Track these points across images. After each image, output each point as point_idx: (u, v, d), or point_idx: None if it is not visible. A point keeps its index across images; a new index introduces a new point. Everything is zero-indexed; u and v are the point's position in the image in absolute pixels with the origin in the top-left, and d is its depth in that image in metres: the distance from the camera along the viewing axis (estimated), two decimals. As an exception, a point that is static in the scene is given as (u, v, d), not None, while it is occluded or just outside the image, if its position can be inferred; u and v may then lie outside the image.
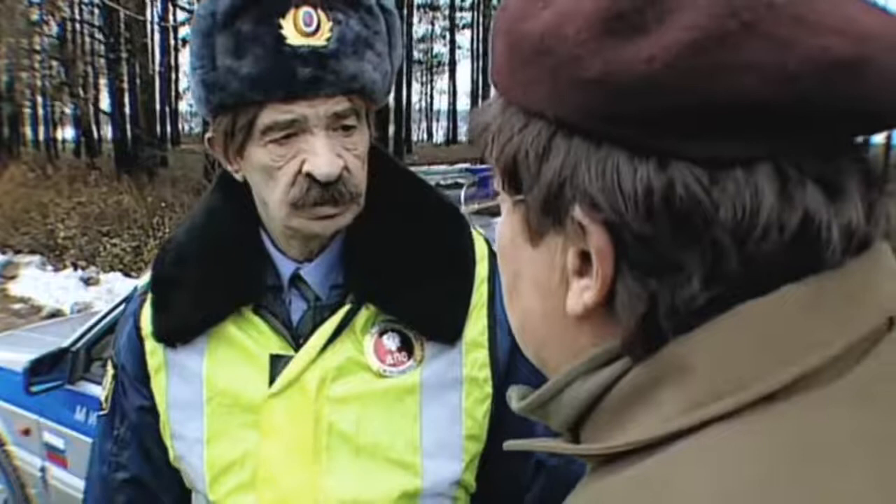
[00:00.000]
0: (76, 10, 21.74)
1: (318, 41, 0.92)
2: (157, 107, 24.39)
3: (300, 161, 0.95)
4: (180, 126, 31.86)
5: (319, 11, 0.93)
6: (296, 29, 0.92)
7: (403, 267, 1.03)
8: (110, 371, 1.19)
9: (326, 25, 0.93)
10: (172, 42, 25.32)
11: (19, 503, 3.58)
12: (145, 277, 1.16)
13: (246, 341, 1.04)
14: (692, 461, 0.40)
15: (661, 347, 0.43)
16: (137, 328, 1.11)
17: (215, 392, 1.05)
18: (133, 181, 13.76)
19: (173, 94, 28.32)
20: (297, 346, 1.02)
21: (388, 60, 1.00)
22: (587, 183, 0.42)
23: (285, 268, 1.05)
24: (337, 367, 1.01)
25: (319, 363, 1.01)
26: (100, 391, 3.27)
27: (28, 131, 30.60)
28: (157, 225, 10.34)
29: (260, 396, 1.02)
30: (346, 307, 1.02)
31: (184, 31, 20.64)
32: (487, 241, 1.10)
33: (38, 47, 19.64)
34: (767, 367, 0.40)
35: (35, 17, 18.62)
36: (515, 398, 0.53)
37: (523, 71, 0.45)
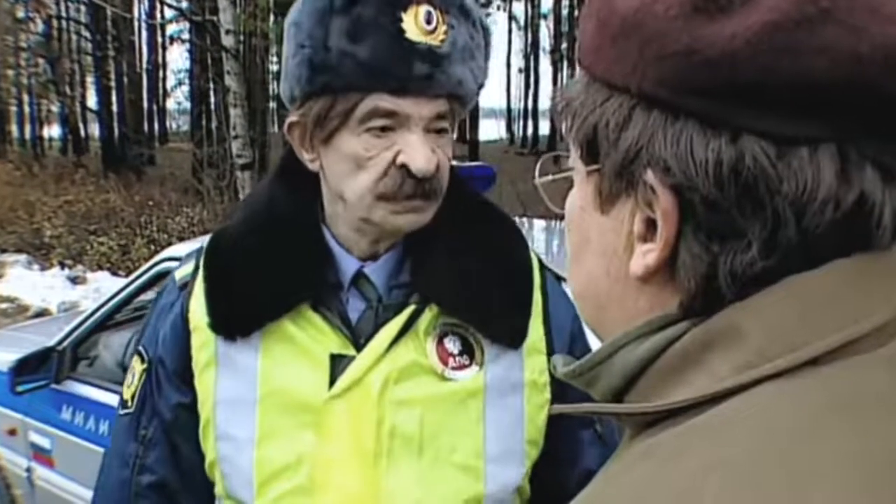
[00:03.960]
0: (62, 8, 21.62)
1: (435, 41, 0.93)
2: (145, 105, 24.32)
3: (395, 153, 0.95)
4: (168, 124, 31.67)
5: (438, 12, 0.93)
6: (416, 24, 0.92)
7: (468, 270, 1.03)
8: (139, 367, 1.12)
9: (442, 28, 0.94)
10: (160, 40, 25.22)
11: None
12: (186, 268, 1.12)
13: (304, 339, 1.01)
14: (744, 413, 0.42)
15: (716, 312, 0.46)
16: (184, 319, 1.06)
17: (270, 390, 1.01)
18: (120, 179, 13.69)
19: (161, 91, 28.17)
20: (358, 346, 1.00)
21: (483, 74, 1.01)
22: (662, 150, 0.46)
23: (348, 266, 1.04)
24: (400, 369, 1.00)
25: (383, 364, 0.99)
26: (90, 389, 3.20)
27: (14, 129, 30.36)
28: (144, 223, 10.29)
29: (319, 397, 0.99)
30: (411, 308, 1.01)
31: (171, 29, 20.55)
32: (534, 251, 1.12)
33: (23, 45, 19.50)
34: (815, 333, 0.43)
35: (20, 14, 18.50)
36: (561, 364, 0.56)
37: (611, 46, 0.48)
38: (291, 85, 0.98)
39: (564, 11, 28.33)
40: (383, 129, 0.94)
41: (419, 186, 0.96)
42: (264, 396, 1.01)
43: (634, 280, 0.50)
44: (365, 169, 0.96)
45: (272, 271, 1.02)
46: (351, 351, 1.00)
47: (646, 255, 0.48)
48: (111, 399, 2.98)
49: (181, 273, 1.12)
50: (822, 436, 0.40)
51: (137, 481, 1.10)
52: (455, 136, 1.07)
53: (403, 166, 0.94)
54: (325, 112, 0.96)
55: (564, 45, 28.39)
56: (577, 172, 0.54)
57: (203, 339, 1.04)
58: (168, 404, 1.08)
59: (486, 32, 1.01)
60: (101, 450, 2.97)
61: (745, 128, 0.43)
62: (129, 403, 1.13)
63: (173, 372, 1.07)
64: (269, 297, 1.01)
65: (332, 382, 0.99)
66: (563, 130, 0.54)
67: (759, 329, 0.44)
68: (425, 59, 0.92)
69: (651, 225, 0.48)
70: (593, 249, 0.53)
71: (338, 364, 1.00)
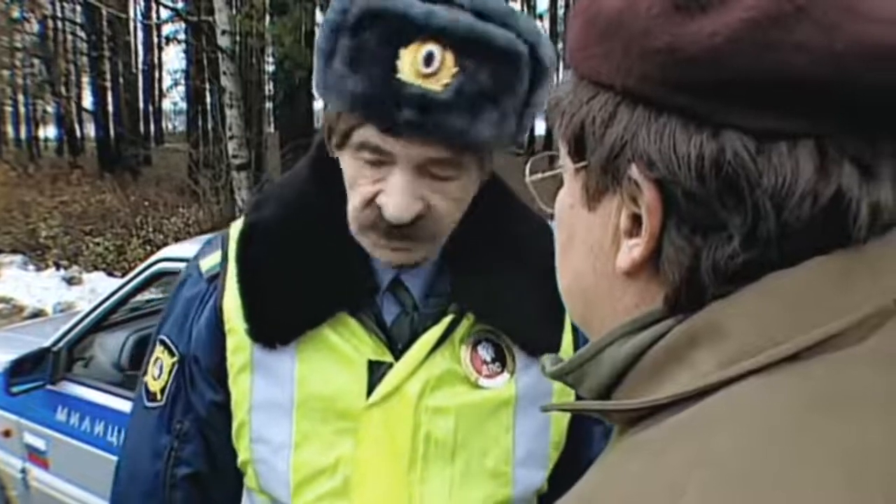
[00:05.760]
0: (58, 8, 21.54)
1: (434, 85, 0.84)
2: (141, 105, 24.25)
3: (377, 190, 0.91)
4: (164, 125, 31.65)
5: (447, 53, 0.84)
6: (412, 65, 0.84)
7: (506, 280, 1.02)
8: (168, 360, 1.11)
9: (449, 71, 0.84)
10: (156, 40, 25.17)
11: (0, 505, 3.55)
12: (212, 259, 1.09)
13: (342, 345, 1.00)
14: (728, 409, 0.43)
15: (700, 307, 0.47)
16: (219, 320, 1.04)
17: (307, 396, 1.00)
18: (116, 180, 13.66)
19: (157, 92, 28.13)
20: (394, 352, 1.00)
21: (517, 118, 0.91)
22: (646, 145, 0.47)
23: (384, 272, 1.02)
24: (436, 377, 1.00)
25: (420, 372, 1.00)
26: (86, 390, 3.18)
27: (10, 130, 30.31)
28: (140, 224, 10.29)
29: (357, 403, 0.99)
30: (449, 318, 1.01)
31: (167, 29, 20.51)
32: None
33: (18, 45, 19.44)
34: (796, 329, 0.44)
35: (16, 14, 18.43)
36: (549, 363, 0.57)
37: (597, 45, 0.50)
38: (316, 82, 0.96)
39: (560, 11, 28.35)
40: (373, 161, 0.91)
41: (394, 230, 0.92)
42: (301, 402, 1.01)
43: (621, 275, 0.51)
44: (354, 192, 0.94)
45: (311, 277, 1.00)
46: (388, 357, 1.00)
47: (632, 250, 0.49)
48: (107, 400, 2.98)
49: (207, 264, 1.10)
50: (805, 432, 0.40)
51: (173, 473, 1.11)
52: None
53: (380, 207, 0.92)
54: (332, 124, 0.94)
55: (560, 46, 28.41)
56: (565, 170, 0.55)
57: (238, 341, 1.03)
58: (202, 401, 1.08)
59: (539, 70, 0.90)
60: (97, 451, 2.96)
61: (726, 123, 0.45)
62: (159, 397, 1.12)
63: (207, 370, 1.07)
64: (309, 304, 1.00)
65: (369, 388, 1.00)
66: (554, 129, 0.55)
67: (741, 325, 0.45)
68: (413, 104, 0.84)
69: (636, 221, 0.49)
70: (580, 246, 0.54)
71: (376, 371, 1.00)
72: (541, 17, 31.57)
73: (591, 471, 0.50)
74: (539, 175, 0.62)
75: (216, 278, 1.07)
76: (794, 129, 0.44)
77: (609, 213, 0.51)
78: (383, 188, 0.91)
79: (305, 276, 1.00)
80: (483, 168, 0.98)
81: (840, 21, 0.42)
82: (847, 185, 0.44)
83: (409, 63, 0.84)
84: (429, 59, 0.84)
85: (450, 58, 0.84)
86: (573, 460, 1.09)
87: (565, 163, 0.55)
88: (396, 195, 0.90)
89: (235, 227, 1.08)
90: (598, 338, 0.53)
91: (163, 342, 1.13)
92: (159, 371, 1.12)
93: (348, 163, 0.94)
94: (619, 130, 0.48)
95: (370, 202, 0.93)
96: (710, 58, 0.43)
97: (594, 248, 0.53)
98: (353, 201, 0.95)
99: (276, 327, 1.01)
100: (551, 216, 0.59)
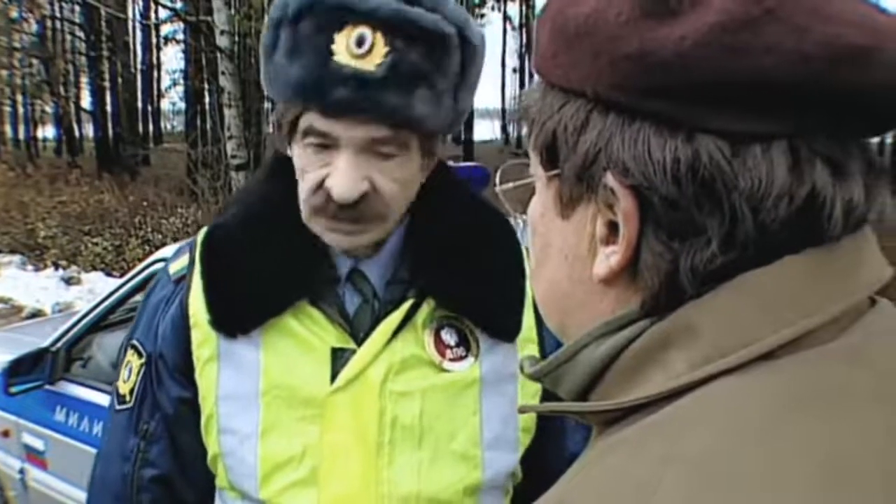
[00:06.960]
0: (56, 8, 21.55)
1: (367, 65, 0.89)
2: (139, 105, 24.24)
3: (325, 174, 0.96)
4: (162, 125, 31.67)
5: (378, 34, 0.89)
6: (346, 47, 0.89)
7: (464, 266, 1.05)
8: (136, 361, 1.13)
9: (381, 50, 0.89)
10: (154, 40, 25.16)
11: (-1, 505, 3.55)
12: (180, 262, 1.12)
13: (305, 334, 1.03)
14: (701, 408, 0.43)
15: (676, 309, 0.47)
16: (184, 316, 1.07)
17: (273, 384, 1.03)
18: (115, 180, 13.64)
19: (155, 92, 28.13)
20: (357, 340, 1.02)
21: (452, 97, 0.96)
22: (620, 152, 0.47)
23: (343, 261, 1.06)
24: (400, 362, 1.02)
25: (383, 357, 1.02)
26: (84, 391, 3.17)
27: (8, 130, 30.29)
28: (138, 224, 10.28)
29: (322, 390, 1.01)
30: (409, 302, 1.03)
31: (165, 29, 20.51)
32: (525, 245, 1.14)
33: (17, 45, 19.43)
34: (768, 328, 0.44)
35: (14, 14, 18.43)
36: (528, 364, 0.57)
37: (566, 52, 0.49)
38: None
39: (559, 12, 28.30)
40: (321, 145, 0.95)
41: (343, 211, 0.96)
42: (267, 390, 1.03)
43: (598, 283, 0.50)
44: (304, 180, 0.98)
45: (271, 268, 1.03)
46: (351, 344, 1.02)
47: (609, 258, 0.49)
48: (105, 400, 2.97)
49: (175, 267, 1.13)
50: (781, 431, 0.40)
51: (140, 475, 1.11)
52: (448, 139, 1.06)
53: (328, 190, 0.96)
54: (280, 118, 0.98)
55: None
56: (537, 179, 0.55)
57: (204, 335, 1.05)
58: (169, 399, 1.09)
59: (467, 50, 0.95)
60: (96, 451, 2.96)
61: (699, 127, 0.45)
62: (128, 398, 1.13)
63: (174, 367, 1.08)
64: (270, 294, 1.03)
65: (333, 376, 1.01)
66: (524, 137, 0.54)
67: (713, 325, 0.45)
68: (348, 84, 0.89)
69: (613, 227, 0.49)
70: (555, 254, 0.54)
71: (339, 358, 1.02)
72: (539, 16, 31.55)
73: (568, 472, 0.50)
74: (510, 184, 0.61)
75: (183, 279, 1.10)
76: (767, 130, 0.44)
77: (584, 221, 0.51)
78: (330, 171, 0.95)
79: (264, 268, 1.03)
80: (428, 153, 1.01)
81: (808, 23, 0.42)
82: (821, 185, 0.45)
83: (344, 46, 0.89)
84: (360, 40, 0.89)
85: (380, 39, 0.89)
86: (545, 448, 1.10)
87: (537, 171, 0.54)
88: (342, 176, 0.94)
89: (202, 232, 1.12)
90: (572, 341, 0.53)
91: (132, 346, 1.15)
92: (129, 373, 1.14)
93: (298, 152, 0.98)
94: (592, 138, 0.48)
95: (319, 186, 0.96)
96: (680, 62, 0.43)
97: (569, 256, 0.53)
98: (304, 188, 0.98)
99: (237, 317, 1.04)
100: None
